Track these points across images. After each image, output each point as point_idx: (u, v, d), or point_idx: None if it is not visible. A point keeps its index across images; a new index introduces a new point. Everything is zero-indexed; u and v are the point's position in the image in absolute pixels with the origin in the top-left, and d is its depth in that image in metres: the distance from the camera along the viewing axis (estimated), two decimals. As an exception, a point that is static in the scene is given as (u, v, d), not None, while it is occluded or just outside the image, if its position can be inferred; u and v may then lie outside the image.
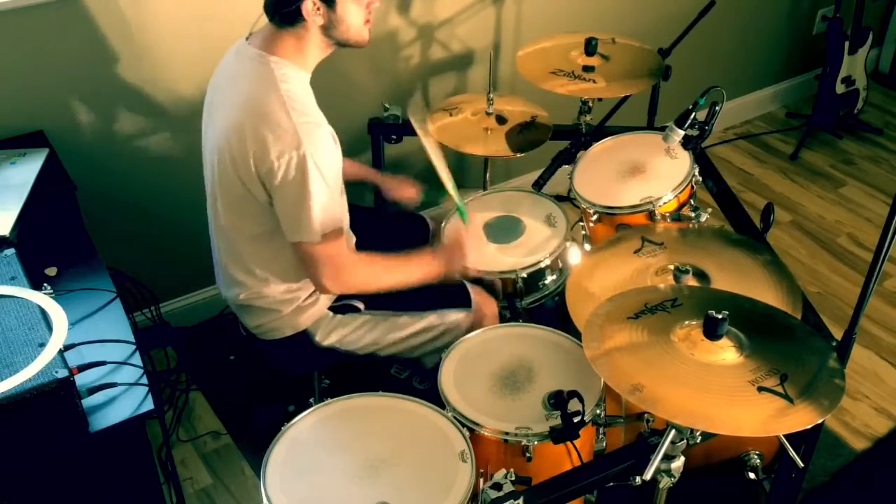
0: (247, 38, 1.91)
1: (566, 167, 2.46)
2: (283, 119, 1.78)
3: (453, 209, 2.40)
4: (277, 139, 1.77)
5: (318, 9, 1.79)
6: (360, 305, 2.10)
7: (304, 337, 2.07)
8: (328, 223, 1.85)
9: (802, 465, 1.74)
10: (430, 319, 2.10)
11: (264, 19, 1.86)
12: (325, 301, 2.07)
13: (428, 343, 2.11)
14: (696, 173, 2.28)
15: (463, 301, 2.15)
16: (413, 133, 2.64)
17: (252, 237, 1.96)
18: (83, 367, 1.69)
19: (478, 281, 2.23)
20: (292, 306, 2.03)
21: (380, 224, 2.41)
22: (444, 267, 2.05)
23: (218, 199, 1.96)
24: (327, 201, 1.83)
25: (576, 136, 2.57)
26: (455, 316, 2.11)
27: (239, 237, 1.97)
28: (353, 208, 2.15)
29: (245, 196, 1.88)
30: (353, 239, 2.18)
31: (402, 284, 2.02)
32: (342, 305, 2.09)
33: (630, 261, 2.00)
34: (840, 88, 3.72)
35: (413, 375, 2.54)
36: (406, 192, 2.41)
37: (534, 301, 2.27)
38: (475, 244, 2.11)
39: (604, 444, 1.92)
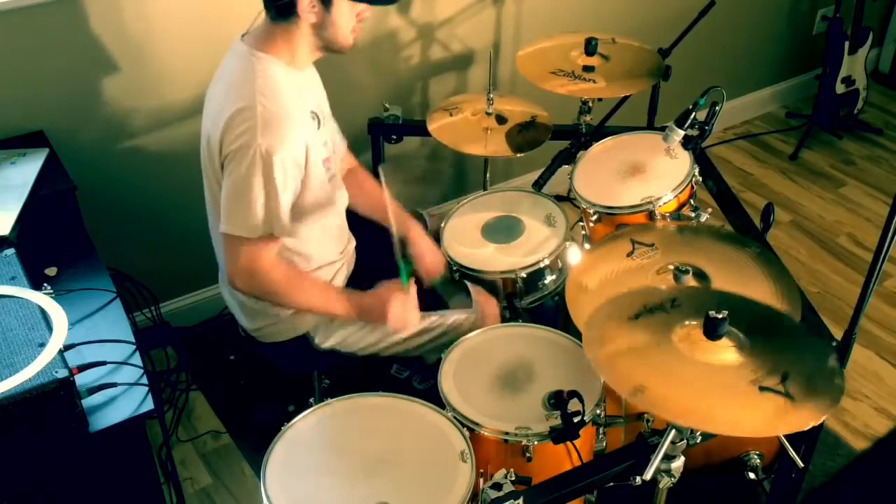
0: (242, 37, 1.91)
1: (566, 167, 2.45)
2: (248, 108, 1.78)
3: (454, 210, 2.41)
4: (239, 125, 1.77)
5: (314, 6, 1.79)
6: None
7: (304, 340, 2.07)
8: (263, 225, 1.82)
9: (802, 465, 1.74)
10: (432, 320, 2.10)
11: (261, 18, 1.87)
12: None
13: (429, 343, 2.11)
14: (696, 173, 2.28)
15: (465, 300, 2.14)
16: (413, 133, 2.65)
17: None
18: (83, 367, 1.69)
19: (478, 281, 2.23)
20: (291, 309, 2.03)
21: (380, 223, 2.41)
22: (357, 314, 1.98)
23: (209, 200, 1.97)
24: (270, 202, 1.80)
25: (576, 136, 2.56)
26: (456, 317, 2.11)
27: None
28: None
29: None
30: (353, 242, 2.18)
31: (310, 309, 1.99)
32: None
33: (627, 262, 2.00)
34: (840, 88, 3.72)
35: (413, 375, 2.54)
36: (431, 265, 2.21)
37: (534, 301, 2.26)
38: (404, 309, 1.98)
39: (604, 444, 1.92)
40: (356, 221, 2.19)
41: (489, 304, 2.17)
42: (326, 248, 2.07)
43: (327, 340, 2.07)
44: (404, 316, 1.98)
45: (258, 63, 1.83)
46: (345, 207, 2.13)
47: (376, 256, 2.20)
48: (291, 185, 1.84)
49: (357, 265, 2.20)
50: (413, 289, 1.99)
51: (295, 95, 1.88)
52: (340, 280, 2.13)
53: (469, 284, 2.18)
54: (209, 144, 1.86)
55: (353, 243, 2.19)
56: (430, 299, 2.13)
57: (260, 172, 1.78)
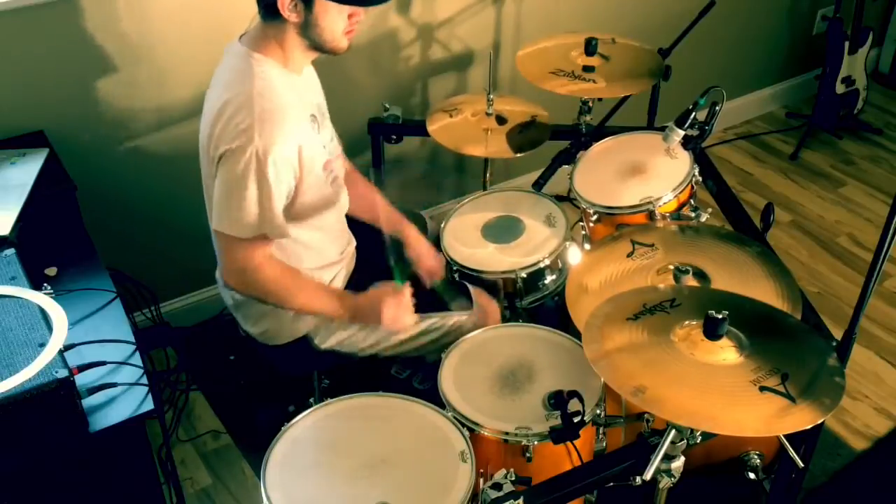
0: (240, 39, 1.91)
1: (566, 167, 2.46)
2: (246, 109, 1.78)
3: (454, 210, 2.41)
4: (236, 125, 1.77)
5: (295, 6, 1.78)
6: None
7: (304, 342, 2.07)
8: (256, 225, 1.81)
9: (802, 465, 1.74)
10: (432, 321, 2.10)
11: (257, 19, 1.87)
12: None
13: (429, 344, 2.11)
14: (696, 173, 2.28)
15: (465, 302, 2.15)
16: (413, 133, 2.64)
17: None
18: (83, 367, 1.69)
19: (478, 281, 2.23)
20: (289, 310, 2.02)
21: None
22: (351, 315, 1.97)
23: (207, 199, 1.96)
24: (264, 202, 1.80)
25: (576, 136, 2.57)
26: (457, 318, 2.11)
27: None
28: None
29: None
30: (354, 243, 2.18)
31: (303, 310, 1.98)
32: None
33: (627, 262, 2.00)
34: (840, 88, 3.72)
35: (413, 375, 2.53)
36: (431, 268, 2.22)
37: (534, 301, 2.26)
38: (398, 310, 1.95)
39: (604, 444, 1.92)
40: (357, 222, 2.19)
41: (490, 306, 2.17)
42: (327, 249, 2.07)
43: (327, 341, 2.07)
44: (399, 317, 1.96)
45: (256, 64, 1.83)
46: (346, 209, 2.13)
47: (377, 257, 2.20)
48: (285, 187, 1.84)
49: (357, 266, 2.20)
50: (408, 290, 1.97)
51: (295, 98, 1.88)
52: (340, 281, 2.13)
53: (470, 286, 2.18)
54: (207, 143, 1.86)
55: (354, 244, 2.19)
56: (431, 300, 2.13)
57: (254, 173, 1.77)
